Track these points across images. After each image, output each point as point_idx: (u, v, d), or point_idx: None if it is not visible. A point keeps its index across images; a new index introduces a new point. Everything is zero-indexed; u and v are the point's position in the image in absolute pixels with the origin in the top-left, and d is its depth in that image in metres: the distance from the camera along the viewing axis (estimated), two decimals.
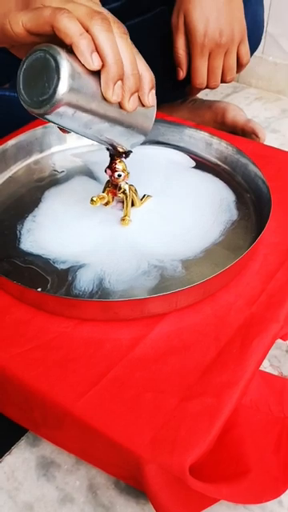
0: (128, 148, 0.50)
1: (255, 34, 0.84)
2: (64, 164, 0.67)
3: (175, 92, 0.87)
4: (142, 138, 0.49)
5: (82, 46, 0.39)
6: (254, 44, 0.83)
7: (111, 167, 0.53)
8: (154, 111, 0.48)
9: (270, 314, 0.47)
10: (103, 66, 0.40)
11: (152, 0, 0.80)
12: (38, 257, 0.53)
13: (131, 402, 0.41)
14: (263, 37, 0.93)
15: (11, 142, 0.64)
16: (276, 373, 0.54)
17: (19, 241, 0.55)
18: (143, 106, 0.45)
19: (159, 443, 0.38)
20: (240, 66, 0.77)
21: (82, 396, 0.41)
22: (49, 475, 0.46)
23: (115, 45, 0.40)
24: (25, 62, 0.41)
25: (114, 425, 0.39)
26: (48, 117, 0.41)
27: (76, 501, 0.45)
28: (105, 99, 0.42)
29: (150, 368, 0.43)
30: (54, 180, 0.64)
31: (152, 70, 0.84)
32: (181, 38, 0.74)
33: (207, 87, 0.78)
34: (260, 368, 0.47)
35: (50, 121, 0.42)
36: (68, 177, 0.65)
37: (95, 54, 0.40)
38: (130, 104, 0.42)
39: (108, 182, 0.56)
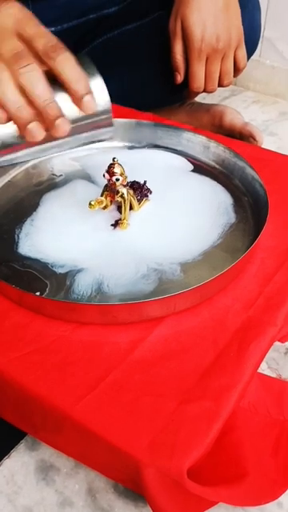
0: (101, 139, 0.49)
1: (252, 39, 0.84)
2: (62, 168, 0.67)
3: (173, 96, 0.87)
4: (109, 130, 0.48)
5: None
6: (250, 48, 0.83)
7: (109, 171, 0.54)
8: (105, 105, 0.45)
9: (267, 317, 0.48)
10: (10, 116, 0.41)
11: (150, 5, 0.81)
12: (37, 261, 0.53)
13: (130, 405, 0.41)
14: (260, 41, 0.93)
15: None
16: (274, 375, 0.54)
17: (17, 245, 0.55)
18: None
19: (157, 447, 0.38)
20: (237, 70, 0.78)
21: (80, 399, 0.41)
22: (48, 479, 0.46)
23: (12, 92, 0.40)
24: None
25: (113, 428, 0.40)
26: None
27: (75, 504, 0.45)
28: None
29: (149, 371, 0.43)
30: (52, 184, 0.65)
31: (150, 74, 0.85)
32: (178, 43, 0.74)
33: (205, 91, 0.79)
34: (258, 370, 0.47)
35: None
36: (66, 181, 0.65)
37: None
38: (57, 132, 0.42)
39: (106, 186, 0.56)
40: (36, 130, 0.41)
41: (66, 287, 0.50)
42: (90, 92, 0.42)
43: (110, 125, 0.46)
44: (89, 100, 0.42)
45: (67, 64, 0.41)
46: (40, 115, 0.41)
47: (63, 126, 0.42)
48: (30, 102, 0.41)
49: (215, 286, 0.49)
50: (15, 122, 0.41)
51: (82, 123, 0.44)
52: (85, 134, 0.45)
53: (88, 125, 0.45)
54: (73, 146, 0.46)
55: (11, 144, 0.43)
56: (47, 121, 0.41)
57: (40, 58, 0.41)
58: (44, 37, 0.42)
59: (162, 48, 0.78)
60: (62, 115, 0.42)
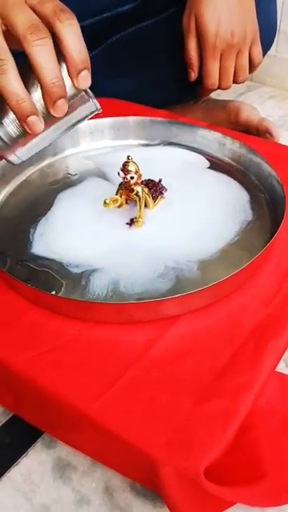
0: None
1: (268, 34, 0.83)
2: (77, 167, 0.67)
3: (187, 93, 0.87)
4: (90, 104, 0.45)
5: None
6: (266, 44, 0.82)
7: (124, 169, 0.54)
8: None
9: (285, 316, 0.47)
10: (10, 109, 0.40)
11: (164, 2, 0.80)
12: (52, 261, 0.53)
13: (146, 404, 0.41)
14: (276, 35, 0.92)
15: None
16: None
17: (32, 244, 0.55)
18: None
19: (174, 446, 0.38)
20: (252, 66, 0.77)
21: (97, 398, 0.41)
22: (65, 477, 0.47)
23: (14, 84, 0.39)
24: None
25: (130, 427, 0.39)
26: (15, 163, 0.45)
27: (92, 503, 0.45)
28: None
29: (165, 370, 0.43)
30: (67, 183, 0.65)
31: (164, 71, 0.85)
32: (192, 40, 0.74)
33: (219, 88, 0.78)
34: (276, 369, 0.46)
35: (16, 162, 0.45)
36: (81, 179, 0.65)
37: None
38: (56, 111, 0.41)
39: (121, 184, 0.56)
40: (36, 123, 0.41)
41: (81, 287, 0.50)
42: (88, 67, 0.41)
43: (88, 100, 0.44)
44: (86, 75, 0.41)
45: (73, 30, 0.40)
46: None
47: (64, 106, 0.41)
48: (36, 75, 0.39)
49: (232, 284, 0.48)
50: (15, 114, 0.40)
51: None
52: (71, 114, 0.44)
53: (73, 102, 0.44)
54: (65, 129, 0.45)
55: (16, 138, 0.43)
56: (48, 99, 0.40)
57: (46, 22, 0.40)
58: (53, 1, 0.40)
59: (176, 45, 0.77)
60: (65, 95, 0.41)
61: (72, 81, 0.41)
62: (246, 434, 0.42)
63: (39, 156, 0.67)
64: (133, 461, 0.40)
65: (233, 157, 0.67)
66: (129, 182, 0.54)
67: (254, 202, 0.60)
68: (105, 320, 0.47)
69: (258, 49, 0.75)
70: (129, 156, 0.54)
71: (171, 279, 0.50)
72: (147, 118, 0.70)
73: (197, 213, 0.59)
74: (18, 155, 0.44)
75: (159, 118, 0.71)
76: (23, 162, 0.45)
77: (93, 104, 0.44)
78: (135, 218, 0.56)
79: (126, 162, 0.54)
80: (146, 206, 0.57)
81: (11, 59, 0.39)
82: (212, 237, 0.55)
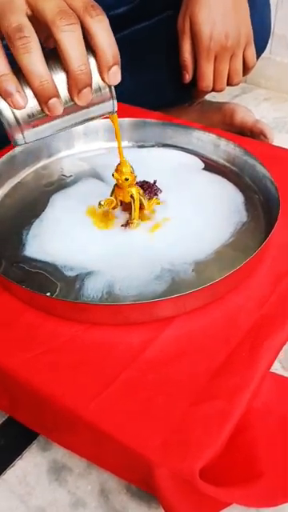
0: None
1: (262, 37, 0.84)
2: (72, 168, 0.67)
3: (182, 95, 0.87)
4: (110, 104, 0.46)
5: (1, 89, 0.39)
6: (261, 46, 0.82)
7: (118, 171, 0.54)
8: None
9: (280, 316, 0.47)
10: (32, 90, 0.40)
11: (159, 5, 0.81)
12: (46, 263, 0.53)
13: (142, 405, 0.41)
14: (271, 37, 0.92)
15: (19, 148, 0.65)
16: (287, 374, 0.54)
17: (26, 246, 0.55)
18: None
19: (170, 447, 0.38)
20: (246, 69, 0.77)
21: (92, 400, 0.41)
22: (61, 479, 0.46)
23: (38, 66, 0.38)
24: None
25: (125, 428, 0.39)
26: (19, 144, 0.44)
27: (88, 505, 0.45)
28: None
29: (160, 371, 0.43)
30: (62, 184, 0.65)
31: (158, 73, 0.85)
32: (187, 42, 0.74)
33: (213, 90, 0.78)
34: (271, 370, 0.46)
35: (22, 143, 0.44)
36: (76, 181, 0.65)
37: (16, 96, 0.39)
38: (80, 100, 0.41)
39: (115, 185, 0.56)
40: (57, 106, 0.40)
41: (75, 290, 0.50)
42: (118, 62, 0.41)
43: (109, 99, 0.44)
44: (116, 71, 0.41)
45: (104, 26, 0.40)
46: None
47: (88, 96, 0.41)
48: (63, 61, 0.39)
49: (226, 284, 0.48)
50: (36, 96, 0.40)
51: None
52: (89, 109, 0.44)
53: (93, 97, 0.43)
54: (79, 122, 0.45)
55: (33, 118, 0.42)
56: (74, 86, 0.40)
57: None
58: None
59: (171, 47, 0.77)
60: (91, 84, 0.40)
61: (102, 76, 0.41)
62: (242, 435, 0.42)
63: (35, 157, 0.67)
64: (128, 462, 0.40)
65: (227, 158, 0.67)
66: (123, 183, 0.54)
67: (249, 203, 0.60)
68: (100, 321, 0.47)
69: (252, 51, 0.76)
70: (123, 157, 0.54)
71: (167, 281, 0.50)
72: (142, 120, 0.70)
73: (192, 214, 0.59)
74: (25, 135, 0.43)
75: (154, 120, 0.71)
76: (25, 143, 0.44)
77: (111, 104, 0.44)
78: (130, 219, 0.56)
79: (121, 163, 0.54)
80: (140, 207, 0.57)
81: (36, 38, 0.39)
82: (207, 238, 0.55)
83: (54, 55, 0.40)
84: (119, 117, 0.67)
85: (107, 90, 0.42)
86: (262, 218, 0.58)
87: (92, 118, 0.45)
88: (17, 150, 0.64)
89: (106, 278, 0.51)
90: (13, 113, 0.41)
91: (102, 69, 0.40)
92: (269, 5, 0.85)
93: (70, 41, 0.38)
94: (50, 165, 0.68)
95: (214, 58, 0.74)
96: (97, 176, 0.65)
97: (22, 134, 0.43)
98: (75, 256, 0.54)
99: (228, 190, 0.63)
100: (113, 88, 0.43)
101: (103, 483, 0.46)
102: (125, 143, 0.71)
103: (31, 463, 0.48)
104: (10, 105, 0.40)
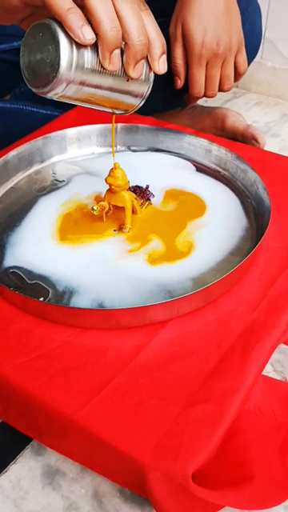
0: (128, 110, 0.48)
1: (253, 42, 0.85)
2: (64, 172, 0.68)
3: (174, 100, 0.88)
4: (139, 102, 0.47)
5: (70, 21, 0.38)
6: (252, 52, 0.83)
7: (111, 176, 0.54)
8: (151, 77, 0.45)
9: (271, 320, 0.48)
10: (98, 35, 0.39)
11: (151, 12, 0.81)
12: (36, 274, 0.53)
13: (134, 409, 0.41)
14: (262, 42, 0.93)
15: (12, 153, 0.65)
16: (280, 378, 0.54)
17: (5, 254, 0.55)
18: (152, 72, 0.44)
19: (162, 450, 0.38)
20: (237, 75, 0.78)
21: (85, 404, 0.41)
22: (54, 484, 0.47)
23: (110, 12, 0.38)
24: (26, 36, 0.40)
25: (118, 433, 0.40)
26: (49, 94, 0.41)
27: (82, 509, 0.45)
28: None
29: (153, 375, 0.43)
30: (54, 189, 0.65)
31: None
32: (179, 48, 0.75)
33: (205, 96, 0.79)
34: (264, 373, 0.47)
35: (50, 96, 0.41)
36: (68, 186, 0.65)
37: (85, 28, 0.38)
38: (135, 72, 0.41)
39: (108, 190, 0.56)
40: (118, 59, 0.40)
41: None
42: (165, 52, 0.42)
43: (146, 94, 0.46)
44: (164, 60, 0.42)
45: (151, 19, 0.41)
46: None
47: (142, 69, 0.41)
48: (123, 30, 0.39)
49: (218, 288, 0.49)
50: (101, 44, 0.39)
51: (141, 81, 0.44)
52: (127, 93, 0.44)
53: (141, 85, 0.44)
54: (114, 101, 0.45)
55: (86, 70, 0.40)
56: (132, 56, 0.40)
57: None
58: None
59: None
60: (146, 57, 0.41)
61: (152, 64, 0.42)
62: (234, 438, 0.42)
63: (27, 162, 0.68)
64: (121, 466, 0.40)
65: (219, 163, 0.68)
66: (116, 188, 0.54)
67: (241, 207, 0.61)
68: (92, 326, 0.48)
69: (243, 58, 0.76)
70: (116, 162, 0.54)
71: (158, 284, 0.51)
72: (134, 125, 0.71)
73: (183, 217, 0.59)
74: (67, 88, 0.41)
75: (146, 125, 0.71)
76: (58, 97, 0.42)
77: (140, 99, 0.45)
78: (123, 224, 0.57)
79: (113, 168, 0.54)
80: (133, 212, 0.57)
81: None
82: (199, 241, 0.56)
83: None
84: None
85: (148, 82, 0.44)
86: (254, 222, 0.59)
87: (127, 105, 0.46)
88: (10, 155, 0.64)
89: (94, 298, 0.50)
90: (70, 55, 0.39)
91: (153, 57, 0.42)
92: (260, 11, 0.86)
93: (131, 12, 0.39)
94: (43, 170, 0.68)
95: (205, 64, 0.74)
96: (89, 180, 0.65)
97: (66, 85, 0.40)
98: (62, 269, 0.53)
99: (221, 193, 0.63)
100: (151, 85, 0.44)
101: (96, 487, 0.46)
102: (118, 148, 0.71)
103: (25, 468, 0.48)
104: (77, 37, 0.38)
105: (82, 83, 0.41)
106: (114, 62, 0.40)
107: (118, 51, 0.40)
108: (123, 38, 0.40)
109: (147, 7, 0.41)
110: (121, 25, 0.39)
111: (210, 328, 0.47)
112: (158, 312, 0.47)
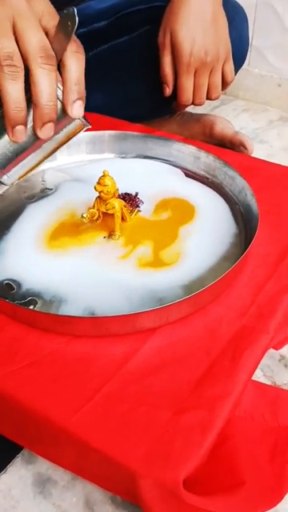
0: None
1: (240, 51, 0.86)
2: (53, 180, 0.68)
3: (162, 108, 0.88)
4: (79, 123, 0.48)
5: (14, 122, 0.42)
6: (239, 60, 0.84)
7: (100, 183, 0.54)
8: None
9: (260, 326, 0.48)
10: (3, 111, 0.42)
11: (139, 19, 0.82)
12: (25, 282, 0.53)
13: (125, 417, 0.41)
14: (249, 50, 0.94)
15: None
16: (269, 382, 0.55)
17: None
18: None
19: (153, 458, 0.38)
20: (225, 83, 0.79)
21: (75, 412, 0.41)
22: (45, 492, 0.46)
23: (17, 92, 0.41)
24: None
25: (108, 440, 0.40)
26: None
27: None
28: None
29: (143, 382, 0.44)
30: (44, 197, 0.65)
31: (139, 87, 0.86)
32: (167, 56, 0.75)
33: (193, 104, 0.80)
34: (253, 378, 0.47)
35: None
36: (58, 193, 0.65)
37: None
38: (42, 132, 0.43)
39: (97, 197, 0.56)
40: (22, 132, 0.43)
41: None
42: (82, 98, 0.44)
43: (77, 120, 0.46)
44: (80, 105, 0.44)
45: (78, 63, 0.43)
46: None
47: (50, 131, 0.43)
48: (33, 94, 0.42)
49: (207, 295, 0.49)
50: (7, 119, 0.42)
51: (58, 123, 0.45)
52: (60, 134, 0.46)
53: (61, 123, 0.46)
54: (54, 148, 0.47)
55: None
56: (39, 119, 0.42)
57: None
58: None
59: (150, 62, 0.79)
60: (54, 120, 0.43)
61: (66, 107, 0.43)
62: (225, 443, 0.42)
63: None
64: (112, 474, 0.40)
65: (208, 170, 0.68)
66: (105, 195, 0.55)
67: (230, 214, 0.62)
68: (82, 334, 0.48)
69: (230, 67, 0.77)
70: (105, 170, 0.54)
71: (149, 290, 0.51)
72: (123, 132, 0.71)
73: (173, 224, 0.59)
74: (8, 175, 0.46)
75: (135, 132, 0.72)
76: (13, 183, 0.47)
77: (81, 122, 0.46)
78: (112, 231, 0.57)
79: (102, 176, 0.54)
80: (122, 219, 0.57)
81: (23, 70, 0.41)
82: (188, 248, 0.56)
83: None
84: (101, 129, 0.68)
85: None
86: (243, 229, 0.59)
87: (65, 142, 0.48)
88: None
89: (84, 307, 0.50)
90: None
91: (67, 101, 0.43)
92: (246, 19, 0.87)
93: (44, 78, 0.41)
94: (32, 177, 0.68)
95: (193, 72, 0.75)
96: (78, 187, 0.65)
97: (5, 173, 0.45)
98: (52, 281, 0.53)
99: (210, 199, 0.64)
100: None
101: (88, 495, 0.46)
102: (106, 155, 0.71)
103: (16, 476, 0.47)
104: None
105: (18, 162, 0.45)
106: (16, 136, 0.43)
107: (21, 127, 0.42)
108: (32, 99, 0.42)
109: (80, 49, 0.43)
110: (32, 87, 0.41)
111: (200, 335, 0.48)
112: (148, 319, 0.47)
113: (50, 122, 0.43)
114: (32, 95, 0.42)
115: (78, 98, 0.43)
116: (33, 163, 0.47)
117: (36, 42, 0.41)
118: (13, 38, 0.41)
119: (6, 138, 0.44)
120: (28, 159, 0.46)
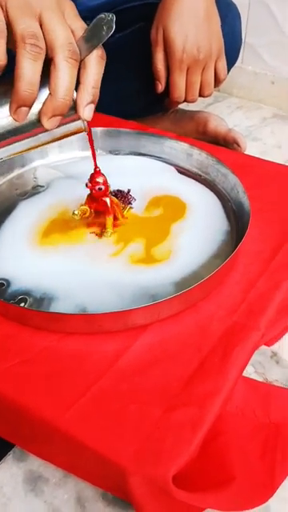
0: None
1: (233, 48, 0.86)
2: (45, 177, 0.67)
3: (155, 105, 0.88)
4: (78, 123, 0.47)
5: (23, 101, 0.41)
6: (232, 57, 0.84)
7: (92, 180, 0.54)
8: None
9: (251, 323, 0.48)
10: (13, 87, 0.41)
11: (132, 16, 0.82)
12: (15, 280, 0.52)
13: (116, 414, 0.41)
14: (242, 47, 0.94)
15: None
16: (261, 379, 0.55)
17: None
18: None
19: (143, 455, 0.38)
20: (217, 81, 0.79)
21: (67, 410, 0.41)
22: (37, 489, 0.46)
23: (34, 75, 0.40)
24: None
25: (99, 437, 0.40)
26: None
27: None
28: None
29: (134, 380, 0.44)
30: (36, 194, 0.65)
31: (132, 84, 0.86)
32: (160, 53, 0.75)
33: (185, 101, 0.80)
34: (245, 374, 0.47)
35: None
36: (49, 190, 0.65)
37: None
38: (48, 123, 0.43)
39: (89, 195, 0.56)
40: (24, 114, 0.42)
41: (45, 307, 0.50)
42: (95, 102, 0.44)
43: (78, 118, 0.46)
44: (91, 109, 0.44)
45: (96, 70, 0.43)
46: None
47: (56, 123, 0.43)
48: (51, 82, 0.41)
49: (199, 292, 0.49)
50: (14, 97, 0.41)
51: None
52: (59, 130, 0.45)
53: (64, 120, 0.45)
54: (47, 142, 0.46)
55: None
56: (49, 110, 0.42)
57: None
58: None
59: (143, 59, 0.78)
60: (63, 114, 0.43)
61: (78, 109, 0.43)
62: (215, 439, 0.42)
63: (8, 167, 0.67)
64: (103, 471, 0.41)
65: (200, 167, 0.68)
66: (97, 193, 0.55)
67: (222, 211, 0.62)
68: (74, 331, 0.48)
69: (223, 64, 0.77)
70: (97, 167, 0.54)
71: (140, 288, 0.51)
72: (116, 129, 0.71)
73: (165, 221, 0.59)
74: None
75: (127, 129, 0.72)
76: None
77: (82, 124, 0.45)
78: (104, 228, 0.57)
79: (94, 173, 0.54)
80: (114, 216, 0.57)
81: (44, 54, 0.40)
82: (180, 245, 0.56)
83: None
84: (95, 125, 0.68)
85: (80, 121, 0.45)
86: (235, 226, 0.59)
87: (60, 138, 0.46)
88: None
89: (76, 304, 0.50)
90: None
91: (81, 102, 0.43)
92: (239, 17, 0.87)
93: (67, 72, 0.41)
94: (24, 174, 0.68)
95: (186, 69, 0.75)
96: (70, 184, 0.65)
97: None
98: (43, 278, 0.52)
99: (203, 196, 0.64)
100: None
101: (79, 492, 0.46)
102: (99, 152, 0.71)
103: (7, 474, 0.47)
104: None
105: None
106: (18, 115, 0.42)
107: (26, 109, 0.41)
108: (50, 89, 0.41)
109: (104, 56, 0.43)
110: (52, 78, 0.41)
111: (191, 331, 0.48)
112: (139, 316, 0.47)
113: (60, 115, 0.42)
114: (50, 85, 0.41)
115: (92, 101, 0.43)
116: (22, 149, 0.46)
117: (64, 36, 0.41)
118: (38, 23, 0.40)
119: (5, 116, 0.42)
120: (20, 143, 0.45)
